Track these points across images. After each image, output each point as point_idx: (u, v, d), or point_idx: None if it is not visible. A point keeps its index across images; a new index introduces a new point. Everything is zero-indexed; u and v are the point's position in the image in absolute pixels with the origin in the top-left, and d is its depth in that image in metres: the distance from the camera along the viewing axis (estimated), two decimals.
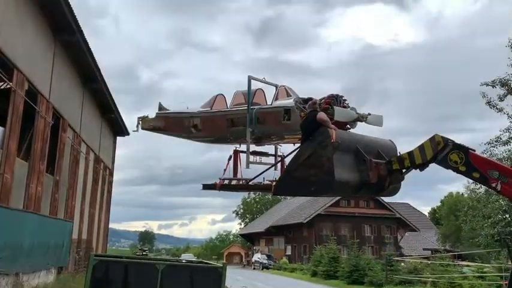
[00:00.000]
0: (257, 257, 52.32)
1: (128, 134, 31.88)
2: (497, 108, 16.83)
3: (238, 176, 10.07)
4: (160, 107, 11.38)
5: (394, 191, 8.29)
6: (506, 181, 6.30)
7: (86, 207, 22.15)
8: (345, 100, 8.59)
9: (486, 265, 30.62)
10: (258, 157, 9.97)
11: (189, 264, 9.81)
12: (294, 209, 55.15)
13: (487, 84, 16.68)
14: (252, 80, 9.55)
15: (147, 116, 11.29)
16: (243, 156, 9.83)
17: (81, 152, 20.25)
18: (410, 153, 7.10)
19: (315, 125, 7.32)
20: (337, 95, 8.47)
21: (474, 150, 6.90)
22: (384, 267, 23.85)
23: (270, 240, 58.57)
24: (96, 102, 23.15)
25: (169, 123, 11.01)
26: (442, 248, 43.21)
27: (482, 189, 38.04)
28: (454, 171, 6.80)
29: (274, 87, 9.76)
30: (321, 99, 8.45)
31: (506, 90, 16.62)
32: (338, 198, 47.88)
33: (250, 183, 9.86)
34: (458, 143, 6.83)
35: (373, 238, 50.18)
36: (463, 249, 42.59)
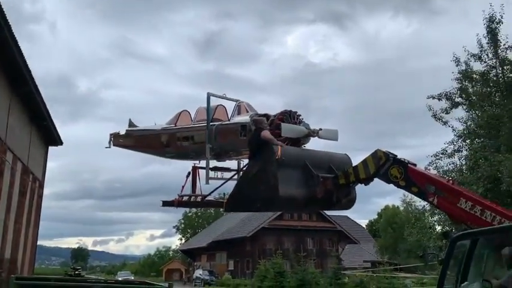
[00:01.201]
0: (198, 273, 50.72)
1: (61, 143, 29.59)
2: (442, 121, 17.22)
3: (198, 192, 9.94)
4: (131, 124, 11.33)
5: (349, 205, 8.52)
6: (443, 195, 6.36)
7: (11, 223, 19.91)
8: (299, 116, 8.59)
9: (425, 276, 31.59)
10: (219, 173, 9.87)
11: (130, 286, 8.82)
12: (238, 223, 54.25)
13: (433, 97, 17.05)
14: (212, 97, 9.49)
15: (118, 133, 11.20)
16: (202, 172, 9.73)
17: (6, 161, 18.17)
18: (355, 168, 7.30)
19: (261, 143, 7.50)
20: (290, 111, 8.48)
21: (415, 165, 6.90)
22: (332, 281, 23.58)
23: (212, 255, 57.12)
24: (26, 108, 21.06)
25: (139, 140, 10.97)
26: (381, 259, 44.24)
27: (418, 202, 39.48)
28: (395, 185, 6.84)
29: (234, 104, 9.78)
30: (274, 115, 8.48)
31: (451, 103, 17.07)
32: (281, 211, 47.79)
33: (206, 199, 9.80)
34: (399, 157, 6.83)
35: (315, 251, 50.41)
36: (401, 261, 43.94)
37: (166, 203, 10.15)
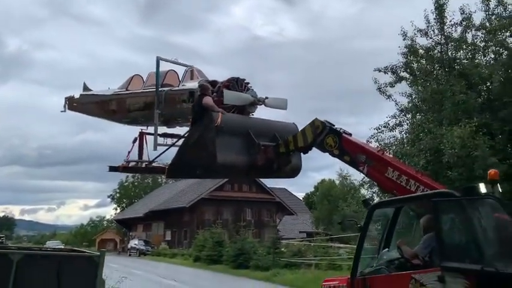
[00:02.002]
0: (134, 243, 49.85)
1: None
2: (386, 95, 17.36)
3: (145, 158, 9.91)
4: (85, 87, 11.21)
5: (294, 173, 8.60)
6: (372, 165, 6.52)
7: None
8: (248, 83, 8.45)
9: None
10: (169, 139, 9.76)
11: (56, 253, 7.99)
12: (177, 193, 53.56)
13: (380, 70, 17.09)
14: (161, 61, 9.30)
15: (73, 96, 11.09)
16: (150, 138, 9.67)
17: None
18: (294, 137, 7.49)
19: (202, 109, 7.51)
20: (237, 78, 8.40)
21: (350, 135, 6.99)
22: (270, 250, 23.79)
23: (148, 225, 56.17)
24: None
25: (93, 104, 10.88)
26: (317, 230, 45.66)
27: (354, 176, 40.82)
28: (330, 154, 6.95)
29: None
30: (222, 82, 8.38)
31: (396, 77, 17.22)
32: (222, 182, 47.71)
33: (152, 165, 9.81)
34: (335, 127, 6.98)
35: (253, 221, 51.03)
36: (334, 232, 45.72)
37: (112, 168, 10.13)
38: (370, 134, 17.14)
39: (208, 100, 7.58)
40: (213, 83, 8.53)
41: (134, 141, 9.93)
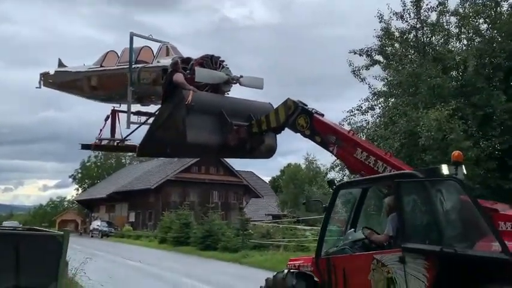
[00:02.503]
0: (96, 224, 48.74)
1: None
2: (360, 78, 17.28)
3: (118, 136, 9.79)
4: (60, 64, 11.04)
5: (269, 154, 8.45)
6: (341, 145, 6.51)
7: None
8: (223, 61, 8.30)
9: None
10: (144, 117, 9.54)
11: (14, 232, 7.44)
12: (142, 174, 52.54)
13: (355, 52, 16.96)
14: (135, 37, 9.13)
15: (48, 72, 10.91)
16: (122, 116, 9.53)
17: None
18: (267, 117, 7.39)
19: (173, 86, 7.31)
20: (212, 56, 8.22)
21: (322, 115, 6.96)
22: (239, 232, 23.63)
23: (111, 206, 54.99)
24: None
25: (68, 81, 10.66)
26: (283, 213, 46.02)
27: (320, 160, 41.07)
28: (302, 135, 6.94)
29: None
30: (195, 59, 8.21)
31: (370, 60, 17.13)
32: (189, 163, 47.13)
33: (125, 143, 9.75)
34: (307, 107, 6.94)
35: (220, 204, 50.91)
36: (300, 214, 46.23)
37: (84, 146, 10.08)
38: (343, 117, 17.12)
39: (179, 77, 7.34)
40: (188, 60, 8.27)
41: (106, 119, 9.76)
